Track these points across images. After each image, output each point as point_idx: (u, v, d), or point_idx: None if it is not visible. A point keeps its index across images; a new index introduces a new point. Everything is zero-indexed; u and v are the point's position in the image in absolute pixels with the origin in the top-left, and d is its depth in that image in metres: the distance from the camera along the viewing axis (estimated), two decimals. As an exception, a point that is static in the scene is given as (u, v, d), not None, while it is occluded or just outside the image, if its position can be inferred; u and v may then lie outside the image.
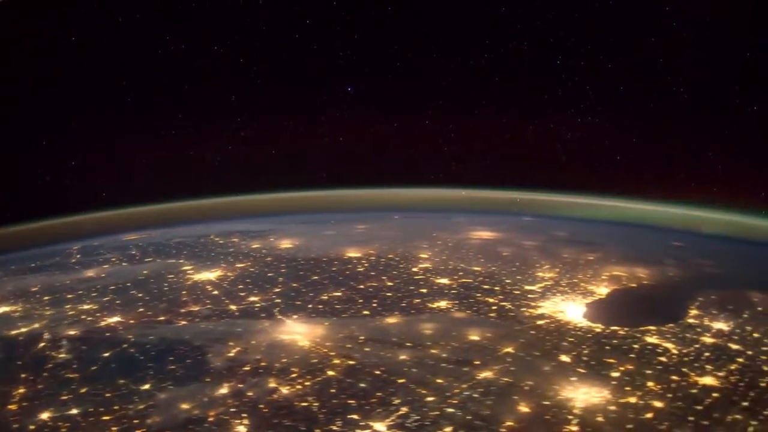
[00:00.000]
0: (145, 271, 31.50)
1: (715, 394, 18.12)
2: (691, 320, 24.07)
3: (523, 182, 48.61)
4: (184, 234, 42.23)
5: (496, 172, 48.67)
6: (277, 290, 26.90)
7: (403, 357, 20.04)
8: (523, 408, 16.94)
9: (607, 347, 21.04)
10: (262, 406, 17.42)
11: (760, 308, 26.25)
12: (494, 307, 24.46)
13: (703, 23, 37.79)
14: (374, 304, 24.82)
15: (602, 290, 27.22)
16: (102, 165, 45.82)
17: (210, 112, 47.43)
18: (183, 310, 24.99)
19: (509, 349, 20.55)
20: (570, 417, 16.51)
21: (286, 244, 36.33)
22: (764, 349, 21.69)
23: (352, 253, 32.85)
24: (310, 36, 44.66)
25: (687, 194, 43.50)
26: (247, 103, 47.66)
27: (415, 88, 47.19)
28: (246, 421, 16.58)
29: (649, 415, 16.74)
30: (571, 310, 24.39)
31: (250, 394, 18.06)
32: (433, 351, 20.44)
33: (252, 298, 26.11)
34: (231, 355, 20.61)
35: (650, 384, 18.51)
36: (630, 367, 19.57)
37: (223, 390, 18.21)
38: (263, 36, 45.17)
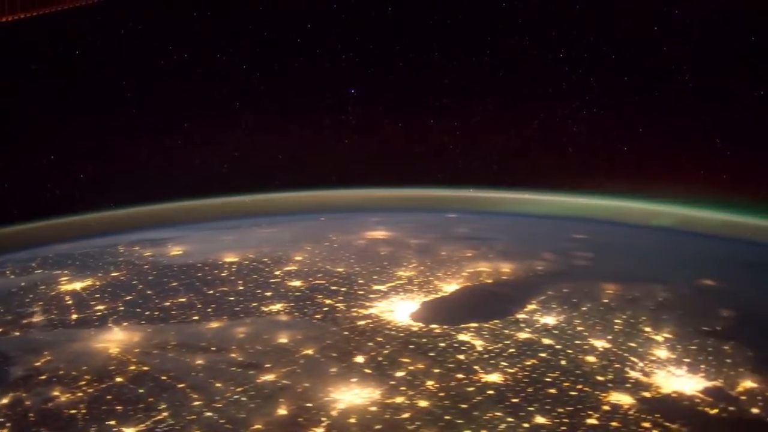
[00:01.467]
0: (22, 283, 31.70)
1: (490, 392, 18.19)
2: (522, 315, 24.09)
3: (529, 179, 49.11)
4: (99, 244, 42.63)
5: (501, 170, 49.20)
6: (129, 298, 26.72)
7: (198, 361, 20.04)
8: (282, 411, 17.05)
9: (411, 346, 21.05)
10: (31, 415, 17.67)
11: (605, 300, 26.31)
12: (325, 309, 24.42)
13: (706, 9, 37.56)
14: (209, 310, 24.83)
15: (451, 288, 27.32)
16: (110, 174, 46.51)
17: (214, 119, 47.60)
18: (24, 321, 25.38)
19: (309, 351, 20.60)
20: (323, 419, 16.57)
21: (177, 251, 36.38)
22: (577, 343, 21.76)
23: (229, 258, 32.93)
24: (311, 40, 44.75)
25: (694, 184, 42.92)
26: (250, 109, 47.72)
27: (419, 87, 47.23)
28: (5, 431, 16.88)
29: (405, 415, 16.83)
30: (402, 309, 24.36)
31: (27, 403, 18.33)
32: (232, 355, 20.54)
33: (99, 307, 25.97)
34: (37, 365, 20.73)
35: (429, 383, 18.45)
36: (420, 366, 19.53)
37: (5, 400, 18.46)
38: (265, 42, 45.47)
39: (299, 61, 46.56)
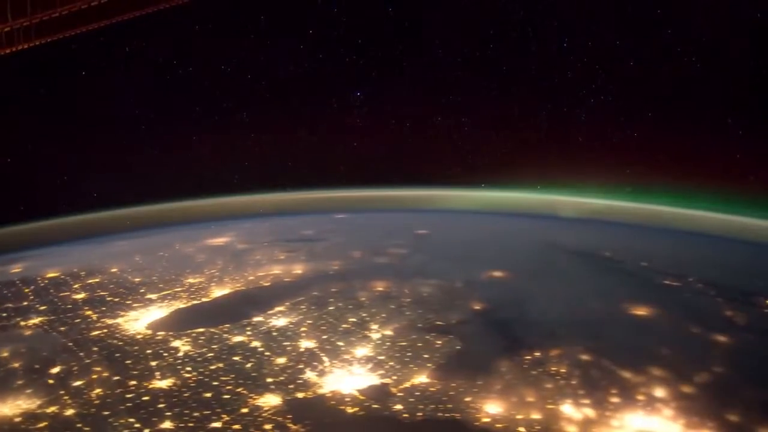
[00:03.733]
0: None
1: (146, 398, 18.25)
2: (259, 318, 24.16)
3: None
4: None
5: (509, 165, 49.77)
6: None
7: None
8: None
9: (117, 354, 21.14)
10: None
11: (361, 299, 26.26)
12: (77, 320, 24.51)
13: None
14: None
15: (220, 293, 27.59)
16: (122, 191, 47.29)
17: (223, 131, 48.15)
18: None
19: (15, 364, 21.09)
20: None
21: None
22: (284, 344, 21.78)
23: (53, 273, 33.25)
24: (314, 46, 44.97)
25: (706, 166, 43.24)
26: (258, 117, 48.04)
27: (423, 85, 47.40)
28: None
29: (42, 425, 17.06)
30: (148, 318, 24.53)
31: None
32: None
33: None
34: None
35: (96, 392, 18.60)
36: (105, 374, 19.68)
37: None
38: (268, 51, 45.68)
39: (303, 67, 46.76)
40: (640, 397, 18.37)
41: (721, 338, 22.99)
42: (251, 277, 29.39)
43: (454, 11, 41.91)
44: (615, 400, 18.17)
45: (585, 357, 20.71)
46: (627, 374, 19.59)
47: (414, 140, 51.14)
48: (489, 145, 52.46)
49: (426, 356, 20.63)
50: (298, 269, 30.18)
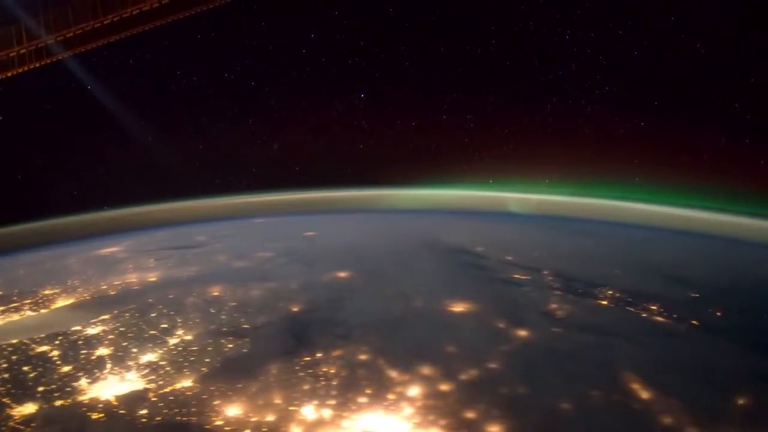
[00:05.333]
0: None
1: None
2: (76, 327, 24.51)
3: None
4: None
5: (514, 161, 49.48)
6: None
7: None
8: None
9: None
10: None
11: (190, 303, 26.41)
12: None
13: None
14: None
15: (63, 303, 28.05)
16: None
17: (230, 138, 48.50)
18: None
19: None
20: None
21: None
22: (69, 352, 22.00)
23: None
24: (316, 49, 44.75)
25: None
26: (264, 123, 48.52)
27: (427, 84, 47.22)
28: None
29: None
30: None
31: None
32: None
33: None
34: None
35: None
36: None
37: None
38: (271, 56, 45.88)
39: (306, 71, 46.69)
40: (391, 397, 18.55)
41: (522, 333, 23.00)
42: (104, 286, 29.77)
43: (453, 8, 42.19)
44: (363, 400, 18.40)
45: (363, 357, 20.87)
46: (394, 374, 19.79)
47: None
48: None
49: (207, 360, 20.70)
50: (153, 276, 30.53)
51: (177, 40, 41.52)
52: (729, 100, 40.45)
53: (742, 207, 47.76)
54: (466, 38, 43.81)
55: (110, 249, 39.40)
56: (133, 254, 36.63)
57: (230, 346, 21.85)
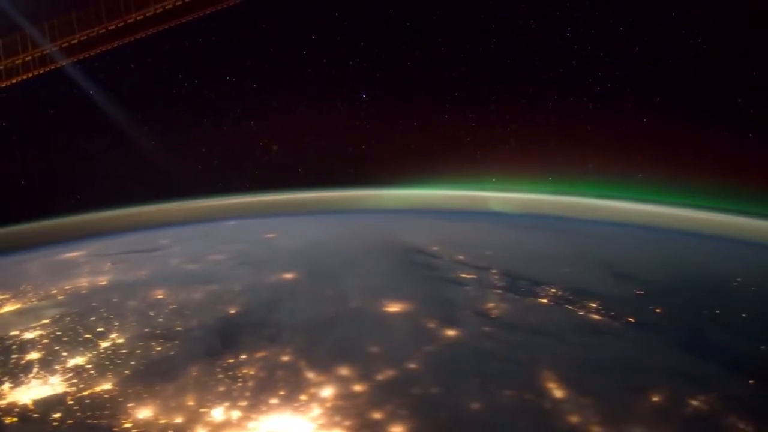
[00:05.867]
0: None
1: None
2: (14, 332, 24.62)
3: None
4: None
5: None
6: None
7: None
8: None
9: None
10: None
11: (129, 306, 26.66)
12: None
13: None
14: None
15: (9, 308, 28.21)
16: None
17: (232, 141, 48.66)
18: None
19: None
20: None
21: None
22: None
23: None
24: (317, 51, 44.85)
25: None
26: (266, 126, 48.40)
27: (429, 83, 47.31)
28: None
29: None
30: None
31: None
32: None
33: None
34: None
35: None
36: None
37: None
38: (272, 58, 46.33)
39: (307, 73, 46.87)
40: (302, 398, 18.62)
41: (450, 333, 23.03)
42: (54, 291, 29.94)
43: (453, 6, 42.31)
44: (274, 401, 18.49)
45: (285, 358, 20.98)
46: (311, 375, 19.88)
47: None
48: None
49: (132, 363, 20.89)
50: (103, 281, 30.69)
51: (178, 43, 41.52)
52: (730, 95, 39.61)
53: (716, 203, 48.08)
54: (467, 37, 44.11)
55: (73, 253, 39.65)
56: (93, 258, 36.76)
57: (158, 348, 21.99)
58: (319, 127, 48.62)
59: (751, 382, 20.00)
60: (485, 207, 61.03)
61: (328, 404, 17.93)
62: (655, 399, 18.31)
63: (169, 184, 46.84)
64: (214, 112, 48.86)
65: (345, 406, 17.67)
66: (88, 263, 35.45)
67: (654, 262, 34.49)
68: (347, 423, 16.97)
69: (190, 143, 49.53)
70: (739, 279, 32.32)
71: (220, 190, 51.18)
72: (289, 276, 29.52)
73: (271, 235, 39.78)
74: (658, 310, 26.11)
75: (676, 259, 35.76)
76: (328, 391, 18.62)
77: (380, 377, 19.27)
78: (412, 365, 20.05)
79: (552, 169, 50.40)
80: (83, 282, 31.11)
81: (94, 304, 27.22)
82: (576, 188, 52.87)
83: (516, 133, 49.68)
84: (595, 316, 24.94)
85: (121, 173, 48.35)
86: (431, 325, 23.27)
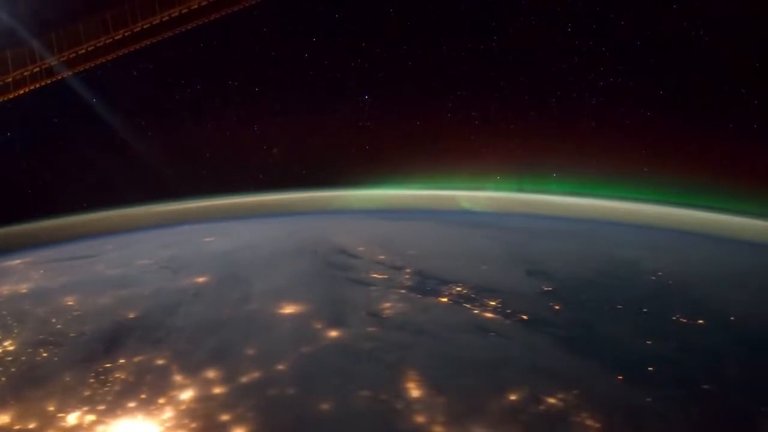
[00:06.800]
0: None
1: None
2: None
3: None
4: None
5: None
6: None
7: None
8: None
9: None
10: None
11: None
12: None
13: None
14: None
15: None
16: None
17: (235, 145, 48.32)
18: None
19: None
20: None
21: None
22: None
23: None
24: (318, 53, 44.54)
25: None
26: (269, 129, 48.42)
27: (431, 82, 47.06)
28: None
29: None
30: None
31: None
32: None
33: None
34: None
35: None
36: None
37: None
38: (273, 61, 45.52)
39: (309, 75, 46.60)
40: (160, 401, 18.87)
41: (333, 333, 23.18)
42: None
43: (453, 5, 42.17)
44: (131, 405, 18.79)
45: (160, 362, 21.31)
46: (179, 378, 20.17)
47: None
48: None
49: (12, 370, 21.34)
50: (24, 288, 31.13)
51: (180, 49, 41.85)
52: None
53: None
54: (468, 36, 44.18)
55: (16, 261, 40.36)
56: (30, 266, 37.18)
57: (45, 354, 22.38)
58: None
59: (619, 377, 20.20)
60: (455, 206, 61.40)
61: (183, 407, 18.30)
62: (512, 398, 18.45)
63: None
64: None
65: (197, 409, 17.96)
66: (22, 271, 35.94)
67: (582, 257, 34.51)
68: (193, 425, 17.28)
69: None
70: (660, 273, 32.28)
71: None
72: (202, 279, 29.85)
73: (208, 239, 40.22)
74: (556, 307, 26.14)
75: (607, 254, 35.73)
76: (187, 394, 19.00)
77: (244, 379, 19.59)
78: (281, 367, 20.33)
79: (556, 167, 50.03)
80: (4, 290, 31.72)
81: (3, 312, 27.88)
82: (576, 187, 52.74)
83: (518, 131, 49.42)
84: (489, 315, 25.02)
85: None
86: (317, 326, 23.48)
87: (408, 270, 30.76)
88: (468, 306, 25.95)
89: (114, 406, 18.39)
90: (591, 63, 42.19)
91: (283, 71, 46.46)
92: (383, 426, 17.03)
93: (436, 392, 18.69)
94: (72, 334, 24.16)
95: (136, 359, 21.29)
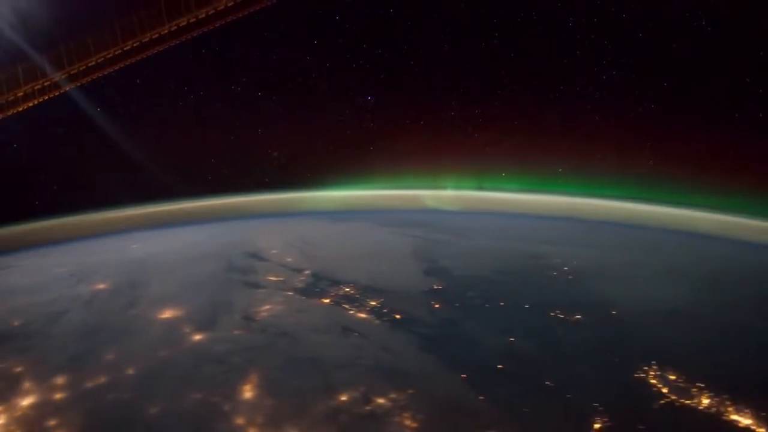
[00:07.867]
0: None
1: None
2: None
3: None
4: None
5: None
6: None
7: None
8: None
9: None
10: None
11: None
12: None
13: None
14: None
15: None
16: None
17: (241, 149, 49.32)
18: None
19: None
20: None
21: None
22: None
23: None
24: (320, 55, 45.08)
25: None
26: (274, 132, 49.39)
27: (434, 81, 47.47)
28: None
29: None
30: None
31: None
32: None
33: None
34: None
35: None
36: None
37: None
38: (276, 65, 46.10)
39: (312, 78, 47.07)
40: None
41: (197, 337, 23.50)
42: None
43: (453, 4, 42.50)
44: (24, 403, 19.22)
45: (18, 369, 21.69)
46: (28, 384, 20.58)
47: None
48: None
49: None
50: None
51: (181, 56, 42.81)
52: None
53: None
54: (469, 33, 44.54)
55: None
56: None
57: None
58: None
59: (462, 376, 20.26)
60: (421, 205, 61.43)
61: (17, 413, 18.78)
62: (342, 399, 18.66)
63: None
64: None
65: (30, 415, 18.47)
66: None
67: (494, 255, 34.54)
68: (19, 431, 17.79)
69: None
70: (566, 268, 32.15)
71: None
72: (101, 286, 30.38)
73: (133, 246, 40.80)
74: (436, 306, 26.24)
75: (523, 251, 35.66)
76: (28, 401, 19.49)
77: (89, 384, 20.03)
78: (130, 371, 20.76)
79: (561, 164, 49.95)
80: None
81: None
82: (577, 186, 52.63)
83: (522, 128, 49.59)
84: (363, 315, 25.22)
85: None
86: (186, 330, 23.89)
87: (307, 272, 31.07)
88: (347, 307, 26.20)
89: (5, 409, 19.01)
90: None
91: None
92: (199, 428, 17.39)
93: (266, 394, 19.02)
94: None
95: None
